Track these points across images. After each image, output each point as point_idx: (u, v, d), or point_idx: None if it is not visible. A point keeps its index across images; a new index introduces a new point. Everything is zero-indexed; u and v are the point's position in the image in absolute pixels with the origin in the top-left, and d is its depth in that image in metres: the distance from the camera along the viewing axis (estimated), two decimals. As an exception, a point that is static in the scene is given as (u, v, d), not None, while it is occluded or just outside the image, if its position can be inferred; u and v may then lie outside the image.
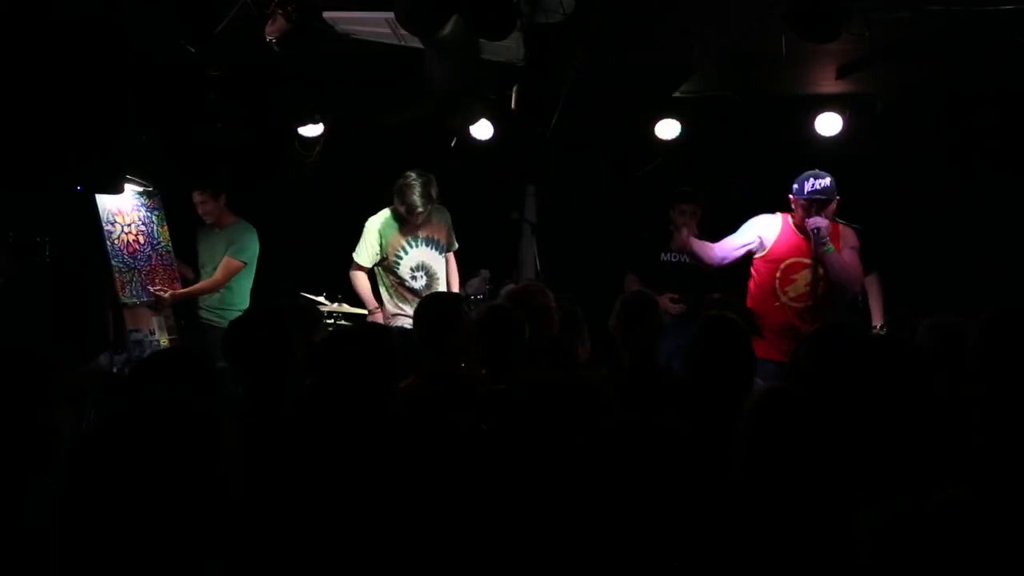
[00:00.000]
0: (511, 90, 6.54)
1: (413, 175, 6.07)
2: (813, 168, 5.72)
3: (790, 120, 7.21)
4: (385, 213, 6.23)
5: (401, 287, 6.20)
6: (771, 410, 2.46)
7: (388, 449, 2.43)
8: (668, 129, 7.30)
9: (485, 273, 7.24)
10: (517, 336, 3.90)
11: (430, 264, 6.24)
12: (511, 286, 5.51)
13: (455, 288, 6.39)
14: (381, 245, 6.17)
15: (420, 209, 6.04)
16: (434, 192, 6.10)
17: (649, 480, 2.18)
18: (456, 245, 6.43)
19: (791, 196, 5.70)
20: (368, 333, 3.41)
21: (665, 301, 6.28)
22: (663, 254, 6.75)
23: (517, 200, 7.98)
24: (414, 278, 6.20)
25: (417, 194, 6.02)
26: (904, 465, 2.66)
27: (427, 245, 6.23)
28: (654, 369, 4.09)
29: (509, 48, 5.09)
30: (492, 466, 2.33)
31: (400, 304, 6.22)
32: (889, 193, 7.32)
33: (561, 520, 2.27)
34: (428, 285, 6.20)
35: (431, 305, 4.05)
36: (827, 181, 5.61)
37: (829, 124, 7.09)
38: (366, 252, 6.19)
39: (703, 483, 2.24)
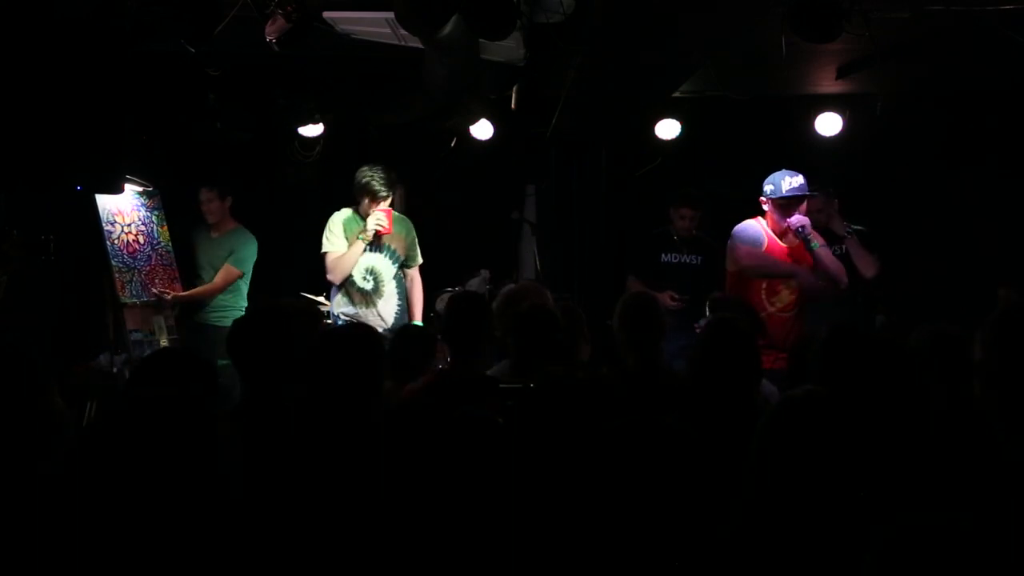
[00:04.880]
0: (511, 90, 6.53)
1: (370, 167, 6.10)
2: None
3: (790, 120, 7.22)
4: (347, 211, 6.21)
5: (351, 287, 6.16)
6: (800, 414, 2.40)
7: (394, 445, 2.43)
8: (668, 129, 7.31)
9: (485, 273, 7.24)
10: (551, 336, 3.92)
11: (379, 270, 6.18)
12: (510, 286, 5.53)
13: (417, 306, 6.31)
14: (346, 238, 6.14)
15: (384, 193, 6.04)
16: (396, 187, 6.13)
17: (651, 480, 2.18)
18: (420, 261, 6.34)
19: (765, 198, 5.62)
20: (352, 335, 3.42)
21: (665, 298, 6.27)
22: (663, 254, 6.75)
23: (517, 200, 7.99)
24: (364, 279, 6.16)
25: (379, 182, 6.03)
26: (916, 474, 2.63)
27: (378, 251, 6.17)
28: (656, 370, 4.09)
29: (509, 48, 5.09)
30: (503, 460, 2.34)
31: (348, 306, 6.16)
32: (889, 193, 7.32)
33: (564, 517, 2.27)
34: (376, 289, 6.16)
35: (457, 304, 4.09)
36: (801, 178, 5.55)
37: (829, 124, 7.09)
38: (336, 241, 6.13)
39: (705, 484, 2.24)
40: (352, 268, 6.10)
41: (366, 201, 6.08)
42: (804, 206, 5.61)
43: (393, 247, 6.22)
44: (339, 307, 6.19)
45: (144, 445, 2.03)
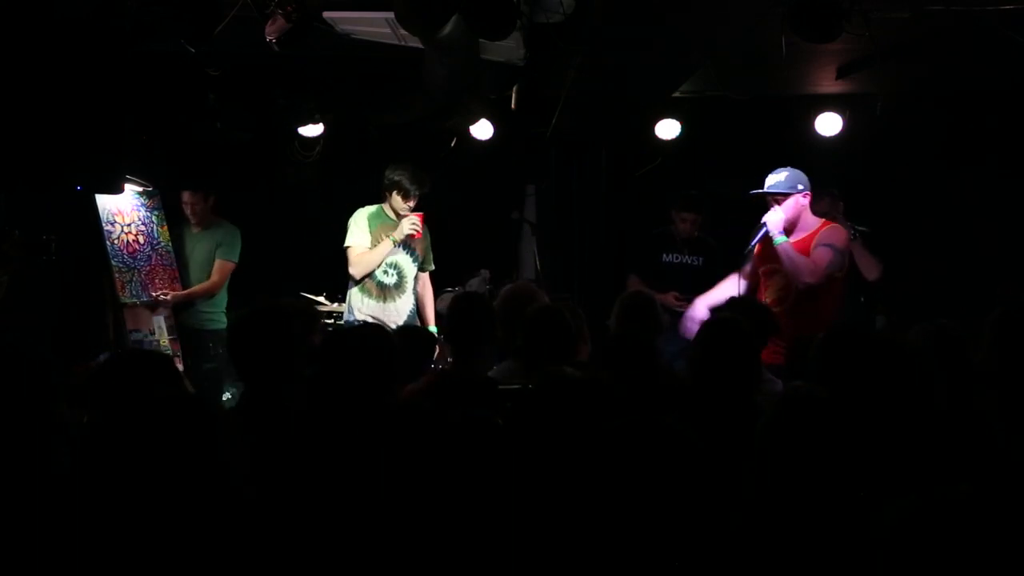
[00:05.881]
0: (511, 90, 6.54)
1: (399, 164, 6.18)
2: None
3: (790, 120, 7.22)
4: (373, 207, 6.27)
5: (370, 281, 6.19)
6: (800, 414, 2.39)
7: (395, 445, 2.43)
8: (668, 129, 7.31)
9: (485, 273, 7.24)
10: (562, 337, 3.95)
11: (403, 267, 6.26)
12: (508, 286, 5.54)
13: (430, 309, 6.36)
14: (370, 233, 6.19)
15: (415, 190, 6.12)
16: (427, 186, 6.21)
17: (650, 480, 2.18)
18: (432, 267, 6.43)
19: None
20: (366, 332, 3.43)
21: (668, 299, 6.25)
22: (665, 254, 6.75)
23: (517, 200, 7.99)
24: (386, 273, 6.21)
25: (409, 179, 6.13)
26: (917, 471, 2.63)
27: (404, 249, 6.24)
28: (654, 369, 4.08)
29: (509, 48, 5.09)
30: (502, 461, 2.34)
31: (365, 299, 6.19)
32: (889, 193, 7.32)
33: (564, 517, 2.27)
34: (398, 285, 6.23)
35: (459, 305, 4.10)
36: (781, 176, 5.41)
37: (829, 124, 7.09)
38: (360, 235, 6.19)
39: (705, 484, 2.24)
40: (377, 265, 6.15)
41: (397, 198, 6.15)
42: (795, 202, 5.46)
43: (415, 248, 6.29)
44: (355, 302, 6.22)
45: (146, 446, 2.03)
